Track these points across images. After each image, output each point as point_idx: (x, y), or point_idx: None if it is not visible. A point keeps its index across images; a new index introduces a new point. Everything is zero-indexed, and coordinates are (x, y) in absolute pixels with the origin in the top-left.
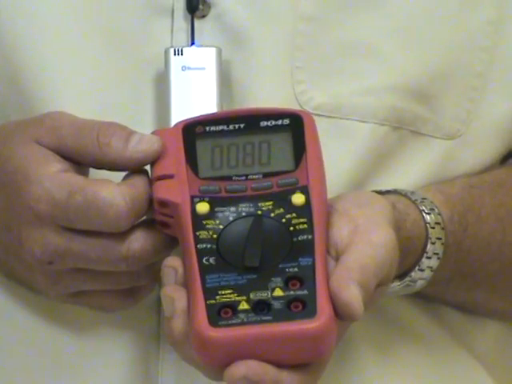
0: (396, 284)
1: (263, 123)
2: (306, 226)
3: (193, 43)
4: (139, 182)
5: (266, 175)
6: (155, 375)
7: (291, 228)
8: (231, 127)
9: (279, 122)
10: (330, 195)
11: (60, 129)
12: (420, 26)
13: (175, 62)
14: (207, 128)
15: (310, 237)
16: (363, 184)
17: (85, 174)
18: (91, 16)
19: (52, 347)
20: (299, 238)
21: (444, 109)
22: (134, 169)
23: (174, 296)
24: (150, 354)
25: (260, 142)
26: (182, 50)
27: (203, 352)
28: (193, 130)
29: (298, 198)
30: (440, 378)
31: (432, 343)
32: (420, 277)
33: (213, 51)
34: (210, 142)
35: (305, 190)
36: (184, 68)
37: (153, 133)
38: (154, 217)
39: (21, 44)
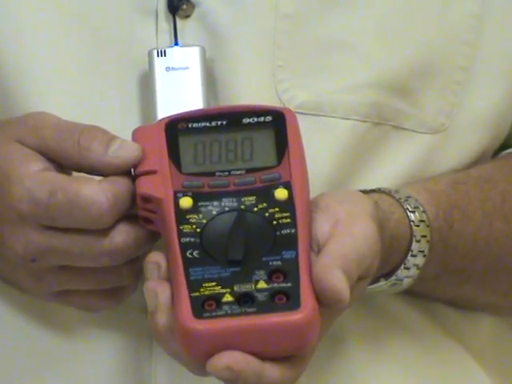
0: (383, 283)
1: (246, 120)
2: (289, 220)
3: (176, 43)
4: (121, 179)
5: (248, 171)
6: (148, 376)
7: (274, 222)
8: (214, 124)
9: (261, 119)
10: (312, 192)
11: (42, 129)
12: (401, 21)
13: (159, 63)
14: (190, 124)
15: (293, 231)
16: (346, 180)
17: (67, 174)
18: (76, 18)
19: (40, 347)
20: (282, 232)
21: (427, 103)
22: (113, 174)
23: (157, 290)
24: (142, 354)
25: (243, 138)
26: (165, 51)
27: (188, 344)
28: (175, 127)
29: (280, 193)
30: (432, 372)
31: (424, 337)
32: (406, 275)
33: (196, 50)
34: (193, 139)
35: (288, 185)
36: (168, 69)
37: (136, 129)
38: (138, 213)
39: (3, 46)
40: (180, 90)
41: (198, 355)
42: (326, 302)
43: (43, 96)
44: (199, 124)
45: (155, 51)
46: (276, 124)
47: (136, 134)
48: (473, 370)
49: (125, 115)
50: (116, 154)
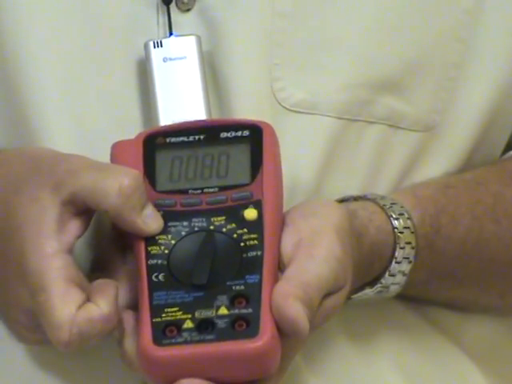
0: (368, 290)
1: (223, 134)
2: (256, 242)
3: (171, 34)
4: (100, 317)
5: (221, 189)
6: None
7: (242, 244)
8: (191, 138)
9: (239, 134)
10: (302, 194)
11: (78, 170)
12: (395, 19)
13: (156, 54)
14: (168, 139)
15: (259, 253)
16: (338, 181)
17: (88, 222)
18: (78, 6)
19: None
20: (249, 255)
21: (421, 101)
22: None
23: (121, 317)
24: None
25: (219, 153)
26: (161, 42)
27: (148, 370)
28: (154, 141)
29: (250, 213)
30: (426, 372)
31: (419, 338)
32: (392, 282)
33: (192, 39)
34: (170, 154)
35: (258, 205)
36: (165, 59)
37: (115, 144)
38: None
39: (1, 34)
40: (178, 80)
41: (158, 381)
42: (285, 333)
43: (42, 84)
44: (177, 139)
45: (151, 42)
46: (253, 139)
47: (115, 149)
48: (465, 366)
49: (126, 107)
50: (145, 220)
